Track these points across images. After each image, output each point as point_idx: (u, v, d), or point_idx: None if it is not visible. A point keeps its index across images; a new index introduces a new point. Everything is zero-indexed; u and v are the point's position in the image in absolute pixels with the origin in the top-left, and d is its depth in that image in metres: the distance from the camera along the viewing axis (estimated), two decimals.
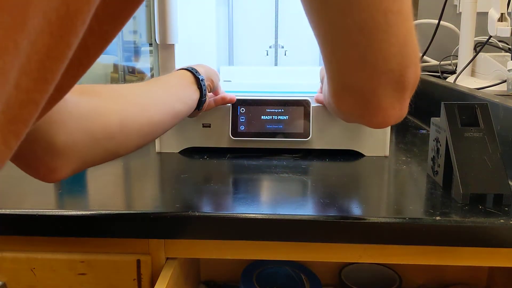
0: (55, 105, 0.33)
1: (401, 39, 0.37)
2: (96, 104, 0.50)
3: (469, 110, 0.62)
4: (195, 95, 0.66)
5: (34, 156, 0.46)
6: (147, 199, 0.62)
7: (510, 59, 0.92)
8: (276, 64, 1.01)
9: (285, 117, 0.78)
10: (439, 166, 0.64)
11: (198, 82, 0.66)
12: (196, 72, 0.67)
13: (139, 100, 0.57)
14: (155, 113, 0.57)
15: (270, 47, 0.99)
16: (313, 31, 0.40)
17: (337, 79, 0.41)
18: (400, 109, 0.42)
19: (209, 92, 0.72)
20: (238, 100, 0.79)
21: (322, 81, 0.75)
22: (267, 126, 0.78)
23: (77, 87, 0.39)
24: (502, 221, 0.53)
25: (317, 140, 0.79)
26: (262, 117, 0.79)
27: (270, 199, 0.61)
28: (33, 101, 0.26)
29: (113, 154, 0.53)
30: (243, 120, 0.79)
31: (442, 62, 1.22)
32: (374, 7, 0.35)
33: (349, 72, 0.40)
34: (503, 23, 0.90)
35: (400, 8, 0.36)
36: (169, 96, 0.62)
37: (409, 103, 0.44)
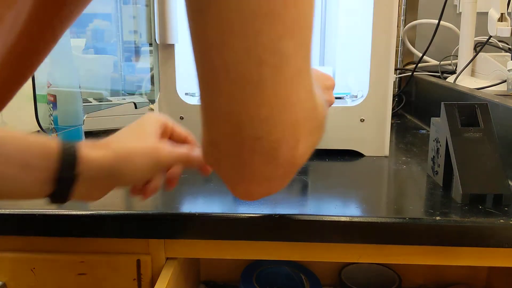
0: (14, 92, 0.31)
1: (274, 102, 0.29)
2: None
3: (469, 110, 0.62)
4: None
5: None
6: (147, 199, 0.62)
7: (510, 59, 0.92)
8: None
9: None
10: (439, 166, 0.64)
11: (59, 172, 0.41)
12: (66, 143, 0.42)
13: None
14: None
15: None
16: None
17: (205, 130, 0.33)
18: (268, 188, 0.35)
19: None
20: None
21: None
22: None
23: None
24: (502, 221, 0.53)
25: None
26: None
27: (270, 199, 0.61)
28: None
29: None
30: None
31: (442, 62, 1.22)
32: (246, 50, 0.28)
33: (215, 125, 0.32)
34: (503, 23, 0.90)
35: (279, 63, 0.28)
36: None
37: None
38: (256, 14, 0.27)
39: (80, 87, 0.77)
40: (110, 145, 0.44)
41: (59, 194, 0.42)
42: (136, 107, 0.99)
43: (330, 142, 0.79)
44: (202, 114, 0.32)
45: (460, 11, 1.19)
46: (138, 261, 0.59)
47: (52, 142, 0.41)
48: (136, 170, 0.45)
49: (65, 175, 0.41)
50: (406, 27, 1.26)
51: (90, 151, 0.42)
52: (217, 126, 0.31)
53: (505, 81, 0.92)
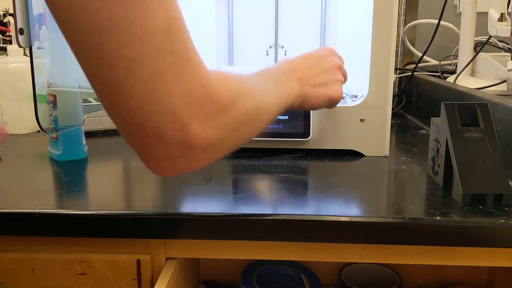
0: None
1: (139, 96, 0.35)
2: None
3: (469, 110, 0.62)
4: None
5: None
6: (147, 199, 0.62)
7: (510, 59, 0.92)
8: None
9: (285, 117, 0.78)
10: (439, 166, 0.64)
11: None
12: None
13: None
14: None
15: (270, 47, 0.99)
16: None
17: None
18: (173, 164, 0.39)
19: None
20: None
21: None
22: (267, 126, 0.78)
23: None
24: (502, 221, 0.53)
25: (317, 140, 0.79)
26: None
27: (270, 199, 0.61)
28: None
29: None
30: None
31: (442, 62, 1.22)
32: (96, 60, 0.34)
33: (111, 117, 0.38)
34: (503, 23, 0.90)
35: (129, 66, 0.34)
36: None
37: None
38: (91, 33, 0.33)
39: (80, 87, 0.77)
40: None
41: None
42: None
43: (330, 142, 0.79)
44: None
45: (460, 11, 1.19)
46: (138, 261, 0.59)
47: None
48: None
49: None
50: (406, 27, 1.26)
51: None
52: (111, 117, 0.38)
53: (505, 81, 0.92)
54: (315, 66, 0.65)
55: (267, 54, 1.01)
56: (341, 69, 0.69)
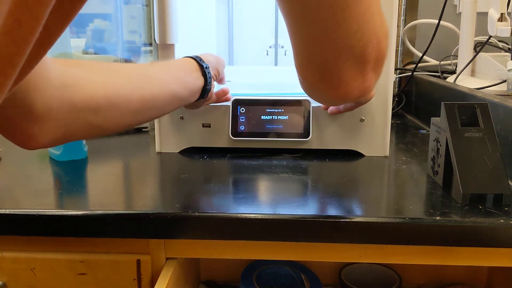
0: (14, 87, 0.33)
1: (360, 17, 0.39)
2: (82, 75, 0.50)
3: (469, 110, 0.62)
4: (198, 81, 0.66)
5: (11, 121, 0.46)
6: (147, 199, 0.62)
7: (510, 59, 0.92)
8: (276, 64, 1.01)
9: (285, 117, 0.78)
10: (439, 166, 0.64)
11: (202, 69, 0.66)
12: (200, 60, 0.67)
13: (131, 76, 0.57)
14: (148, 90, 0.57)
15: (270, 47, 0.99)
16: (279, 8, 0.41)
17: (302, 53, 0.44)
18: (363, 82, 0.44)
19: (214, 81, 0.72)
20: (238, 100, 0.79)
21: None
22: (267, 126, 0.78)
23: (63, 60, 0.43)
24: (502, 221, 0.53)
25: (317, 140, 0.79)
26: (262, 117, 0.79)
27: (270, 199, 0.61)
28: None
29: (99, 129, 0.53)
30: (243, 120, 0.79)
31: (442, 62, 1.22)
32: None
33: (312, 47, 0.42)
34: (503, 23, 0.90)
35: None
36: (167, 78, 0.62)
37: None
38: None
39: None
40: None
41: (207, 88, 0.68)
42: None
43: (330, 142, 0.79)
44: (297, 43, 0.43)
45: (460, 11, 1.19)
46: (138, 261, 0.59)
47: (191, 62, 0.66)
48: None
49: (209, 75, 0.67)
50: (406, 27, 1.26)
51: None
52: (317, 47, 0.41)
53: (505, 81, 0.92)
54: None
55: (267, 54, 1.01)
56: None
